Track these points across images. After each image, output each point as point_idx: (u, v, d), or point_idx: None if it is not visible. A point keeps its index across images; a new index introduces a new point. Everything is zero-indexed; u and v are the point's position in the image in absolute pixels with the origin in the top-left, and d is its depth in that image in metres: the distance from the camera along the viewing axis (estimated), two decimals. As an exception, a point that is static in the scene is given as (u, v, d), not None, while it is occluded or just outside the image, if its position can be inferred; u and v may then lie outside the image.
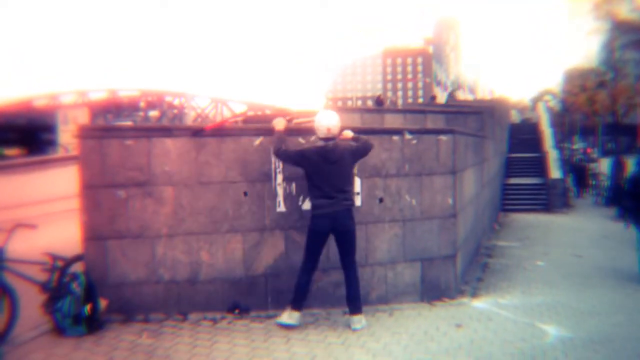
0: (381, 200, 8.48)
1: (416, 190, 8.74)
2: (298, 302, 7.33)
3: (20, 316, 6.38)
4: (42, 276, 6.83)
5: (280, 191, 7.84)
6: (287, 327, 7.25)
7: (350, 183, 7.66)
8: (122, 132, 7.43)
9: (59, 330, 6.53)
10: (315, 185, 7.33)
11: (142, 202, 7.28)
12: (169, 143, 7.35)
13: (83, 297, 6.65)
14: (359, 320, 7.50)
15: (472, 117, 16.56)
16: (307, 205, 7.89)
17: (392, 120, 15.93)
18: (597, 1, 51.77)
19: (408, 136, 8.65)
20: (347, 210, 7.43)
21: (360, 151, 7.66)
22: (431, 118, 16.51)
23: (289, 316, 7.31)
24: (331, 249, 7.97)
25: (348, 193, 7.48)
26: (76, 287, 6.67)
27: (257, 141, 7.70)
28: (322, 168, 7.28)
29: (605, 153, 51.23)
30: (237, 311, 7.59)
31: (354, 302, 7.54)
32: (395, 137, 8.58)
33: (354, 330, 7.36)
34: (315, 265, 7.48)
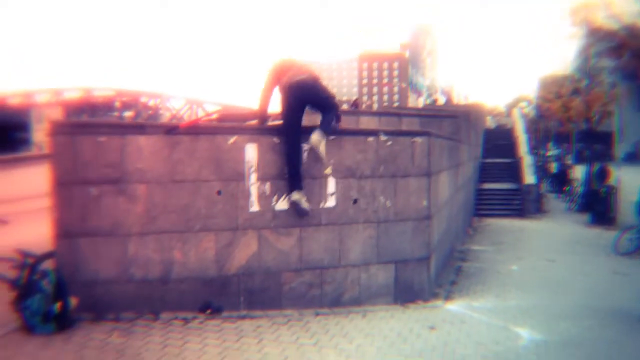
0: (355, 201, 8.46)
1: (391, 192, 8.73)
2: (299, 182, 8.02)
3: (-12, 313, 6.30)
4: (11, 273, 6.73)
5: (253, 191, 7.79)
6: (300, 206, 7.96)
7: None
8: (95, 129, 7.33)
9: (28, 328, 6.43)
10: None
11: (115, 199, 7.19)
12: (142, 140, 7.27)
13: (53, 294, 6.56)
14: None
15: (447, 121, 16.62)
16: (280, 205, 7.88)
17: (367, 122, 15.93)
18: (574, 7, 52.19)
19: (383, 137, 8.64)
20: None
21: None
22: (406, 121, 16.52)
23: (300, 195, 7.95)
24: (304, 249, 7.98)
25: None
26: (46, 285, 6.58)
27: (232, 140, 7.65)
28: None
29: (579, 160, 51.58)
30: (209, 311, 7.52)
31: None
32: (370, 139, 8.58)
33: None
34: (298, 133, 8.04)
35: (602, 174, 28.86)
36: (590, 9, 49.73)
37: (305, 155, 8.01)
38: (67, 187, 7.07)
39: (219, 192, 7.61)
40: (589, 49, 56.09)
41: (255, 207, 7.80)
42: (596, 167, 29.83)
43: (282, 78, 8.11)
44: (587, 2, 50.18)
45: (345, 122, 9.27)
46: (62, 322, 6.56)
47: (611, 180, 26.86)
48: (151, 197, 7.31)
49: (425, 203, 9.08)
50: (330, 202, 8.20)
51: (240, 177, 7.71)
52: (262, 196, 7.83)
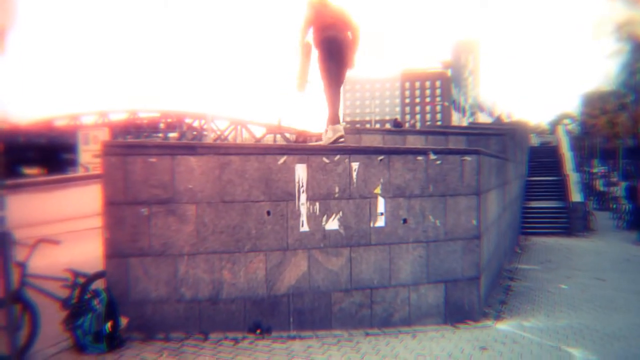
0: (405, 220, 8.39)
1: (440, 211, 8.65)
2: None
3: (40, 332, 6.31)
4: (63, 292, 6.77)
5: (303, 211, 7.77)
6: None
7: None
8: (145, 149, 7.37)
9: (79, 347, 6.46)
10: None
11: (165, 219, 7.22)
12: (192, 161, 7.30)
13: (104, 314, 6.58)
14: None
15: (493, 139, 16.49)
16: (330, 225, 7.84)
17: (413, 141, 15.88)
18: (619, 23, 51.75)
19: (432, 156, 8.57)
20: None
21: None
22: (453, 139, 16.46)
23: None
24: (354, 269, 7.93)
25: None
26: (97, 304, 6.60)
27: (282, 160, 7.65)
28: None
29: (626, 177, 50.84)
30: (258, 331, 7.50)
31: None
32: (420, 157, 8.51)
33: None
34: None
35: (633, 192, 28.40)
36: (636, 24, 49.23)
37: (354, 175, 7.98)
38: (117, 207, 7.12)
39: (268, 213, 7.60)
40: (635, 64, 55.45)
41: (305, 227, 7.77)
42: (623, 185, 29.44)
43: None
44: (632, 18, 49.71)
45: (392, 141, 9.23)
46: (113, 342, 6.58)
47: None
48: (201, 217, 7.32)
49: (474, 222, 8.98)
50: (380, 222, 8.15)
51: (290, 197, 7.70)
52: (311, 216, 7.80)
